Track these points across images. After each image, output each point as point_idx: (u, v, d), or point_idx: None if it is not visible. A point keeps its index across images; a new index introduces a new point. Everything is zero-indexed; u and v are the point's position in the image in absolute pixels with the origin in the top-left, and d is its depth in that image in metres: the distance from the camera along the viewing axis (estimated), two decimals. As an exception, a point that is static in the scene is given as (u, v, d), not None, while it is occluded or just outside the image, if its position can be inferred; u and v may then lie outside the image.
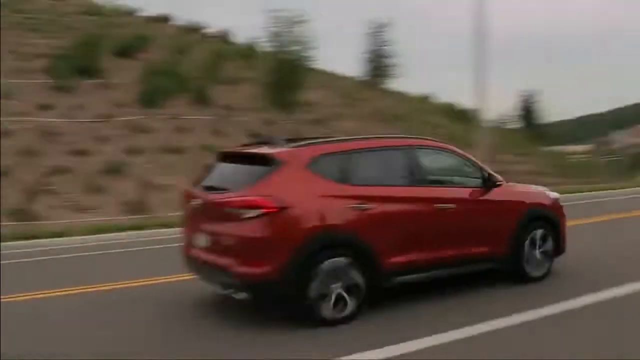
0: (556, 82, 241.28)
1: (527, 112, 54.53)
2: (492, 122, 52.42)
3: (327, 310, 6.75)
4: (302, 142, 7.04)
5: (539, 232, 8.49)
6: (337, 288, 6.79)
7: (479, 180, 8.06)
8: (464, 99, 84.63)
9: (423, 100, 45.43)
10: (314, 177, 6.74)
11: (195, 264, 7.25)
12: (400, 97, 41.25)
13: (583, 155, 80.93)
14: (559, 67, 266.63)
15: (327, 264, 6.70)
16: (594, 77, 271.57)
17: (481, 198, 7.96)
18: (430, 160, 7.70)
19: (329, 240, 6.68)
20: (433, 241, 7.42)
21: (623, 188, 36.40)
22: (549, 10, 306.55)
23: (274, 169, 6.67)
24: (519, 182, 9.08)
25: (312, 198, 6.65)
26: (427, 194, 7.43)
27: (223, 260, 6.56)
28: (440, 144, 8.01)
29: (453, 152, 8.09)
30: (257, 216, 6.38)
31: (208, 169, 7.61)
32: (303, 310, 6.69)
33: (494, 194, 8.09)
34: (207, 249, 6.85)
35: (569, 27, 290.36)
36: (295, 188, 6.59)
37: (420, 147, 7.67)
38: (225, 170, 7.20)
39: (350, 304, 6.87)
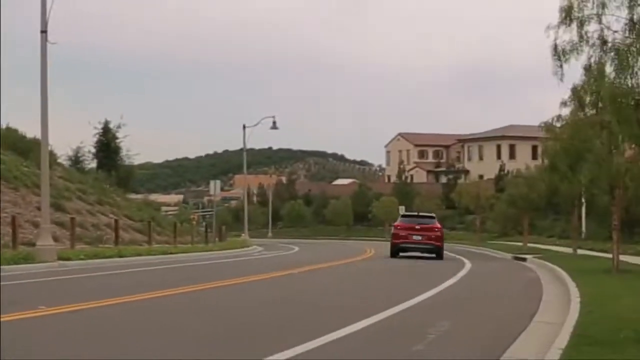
0: (146, 118, 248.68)
1: (107, 149, 53.12)
2: (64, 158, 50.47)
3: None
4: (432, 213, 41.18)
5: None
6: None
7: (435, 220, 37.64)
8: (30, 125, 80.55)
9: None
10: (438, 223, 37.47)
11: (410, 244, 35.32)
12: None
13: (174, 209, 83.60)
14: (161, 99, 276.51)
15: None
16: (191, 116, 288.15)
17: (436, 225, 36.54)
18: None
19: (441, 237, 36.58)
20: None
21: (212, 250, 37.35)
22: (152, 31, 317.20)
23: (435, 219, 37.56)
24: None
25: (438, 227, 36.72)
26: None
27: (430, 242, 34.99)
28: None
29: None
30: (437, 230, 35.97)
31: (400, 218, 38.57)
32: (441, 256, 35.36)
33: (434, 222, 36.93)
34: (420, 240, 35.00)
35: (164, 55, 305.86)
36: (438, 224, 37.33)
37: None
38: (414, 219, 37.41)
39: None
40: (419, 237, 34.86)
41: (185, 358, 8.19)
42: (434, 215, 39.17)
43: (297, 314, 12.63)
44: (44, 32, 23.14)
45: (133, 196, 52.37)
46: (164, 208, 69.72)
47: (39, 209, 26.28)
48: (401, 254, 35.09)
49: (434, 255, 34.67)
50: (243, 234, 54.70)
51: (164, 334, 9.95)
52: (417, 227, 35.29)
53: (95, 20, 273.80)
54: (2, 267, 19.49)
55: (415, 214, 41.06)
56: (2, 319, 10.21)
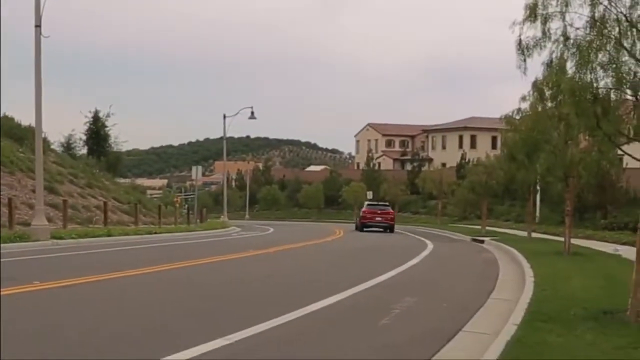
0: (133, 108, 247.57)
1: (97, 137, 52.74)
2: (57, 145, 50.07)
3: None
4: (387, 203, 55.48)
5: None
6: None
7: (390, 207, 52.20)
8: (25, 114, 79.75)
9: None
10: (391, 209, 52.20)
11: (373, 223, 47.98)
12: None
13: (159, 192, 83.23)
14: (141, 90, 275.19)
15: None
16: (170, 108, 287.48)
17: (390, 211, 50.52)
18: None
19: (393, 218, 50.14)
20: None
21: (194, 231, 37.26)
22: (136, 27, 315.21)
23: (389, 207, 52.36)
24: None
25: (392, 211, 50.89)
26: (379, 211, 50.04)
27: (386, 221, 48.22)
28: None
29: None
30: (391, 214, 49.76)
31: (366, 205, 52.26)
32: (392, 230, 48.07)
33: (389, 209, 51.38)
34: (380, 220, 48.20)
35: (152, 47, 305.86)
36: (391, 210, 51.67)
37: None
38: (376, 206, 51.13)
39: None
40: (380, 219, 48.46)
41: (163, 330, 8.23)
42: (388, 203, 54.75)
43: (272, 290, 12.67)
44: (38, 26, 23.08)
45: (121, 180, 52.13)
46: (149, 191, 69.32)
47: (33, 191, 26.17)
48: (365, 229, 47.31)
49: (387, 229, 47.38)
50: (222, 216, 54.57)
51: (146, 307, 9.97)
52: (379, 211, 49.37)
53: (87, 15, 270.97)
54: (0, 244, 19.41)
55: (376, 203, 54.26)
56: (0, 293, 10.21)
